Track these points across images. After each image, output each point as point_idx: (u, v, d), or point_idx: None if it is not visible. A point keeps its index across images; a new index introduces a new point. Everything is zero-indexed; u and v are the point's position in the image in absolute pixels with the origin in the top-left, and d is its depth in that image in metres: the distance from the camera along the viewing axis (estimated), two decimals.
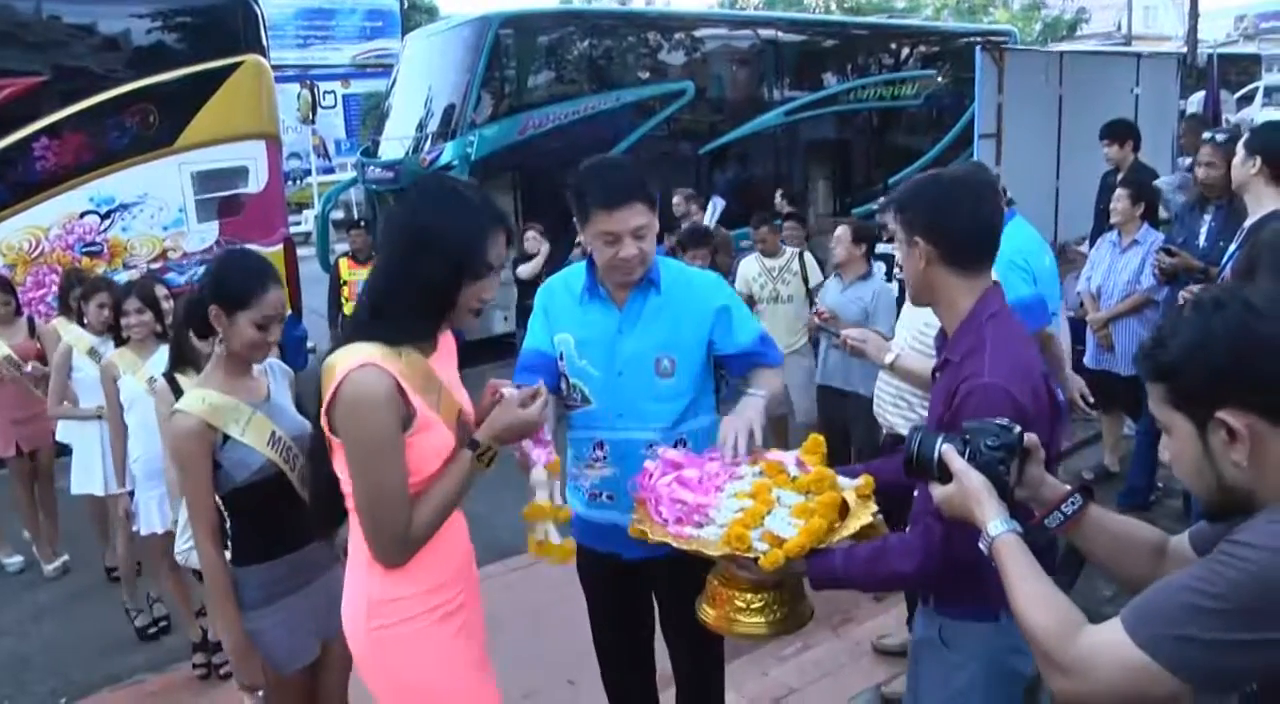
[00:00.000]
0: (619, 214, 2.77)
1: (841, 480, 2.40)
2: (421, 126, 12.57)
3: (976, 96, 8.56)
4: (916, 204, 2.37)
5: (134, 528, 5.01)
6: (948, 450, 1.94)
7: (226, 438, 2.91)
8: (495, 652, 4.91)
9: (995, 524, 1.83)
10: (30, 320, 6.46)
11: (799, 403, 6.83)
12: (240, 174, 10.38)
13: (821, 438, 2.52)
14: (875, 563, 2.21)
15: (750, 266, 7.29)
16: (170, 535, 4.58)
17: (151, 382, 4.59)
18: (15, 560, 6.49)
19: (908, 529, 2.37)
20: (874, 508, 2.26)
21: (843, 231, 5.85)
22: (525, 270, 9.58)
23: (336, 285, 9.85)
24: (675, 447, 2.79)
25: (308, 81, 19.03)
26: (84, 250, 9.49)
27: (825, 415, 6.15)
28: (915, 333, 3.95)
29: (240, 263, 3.02)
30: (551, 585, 5.57)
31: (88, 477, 5.52)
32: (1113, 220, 6.20)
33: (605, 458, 2.98)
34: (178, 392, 3.96)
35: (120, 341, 4.92)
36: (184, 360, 4.13)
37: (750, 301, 6.87)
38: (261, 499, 2.97)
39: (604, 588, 3.25)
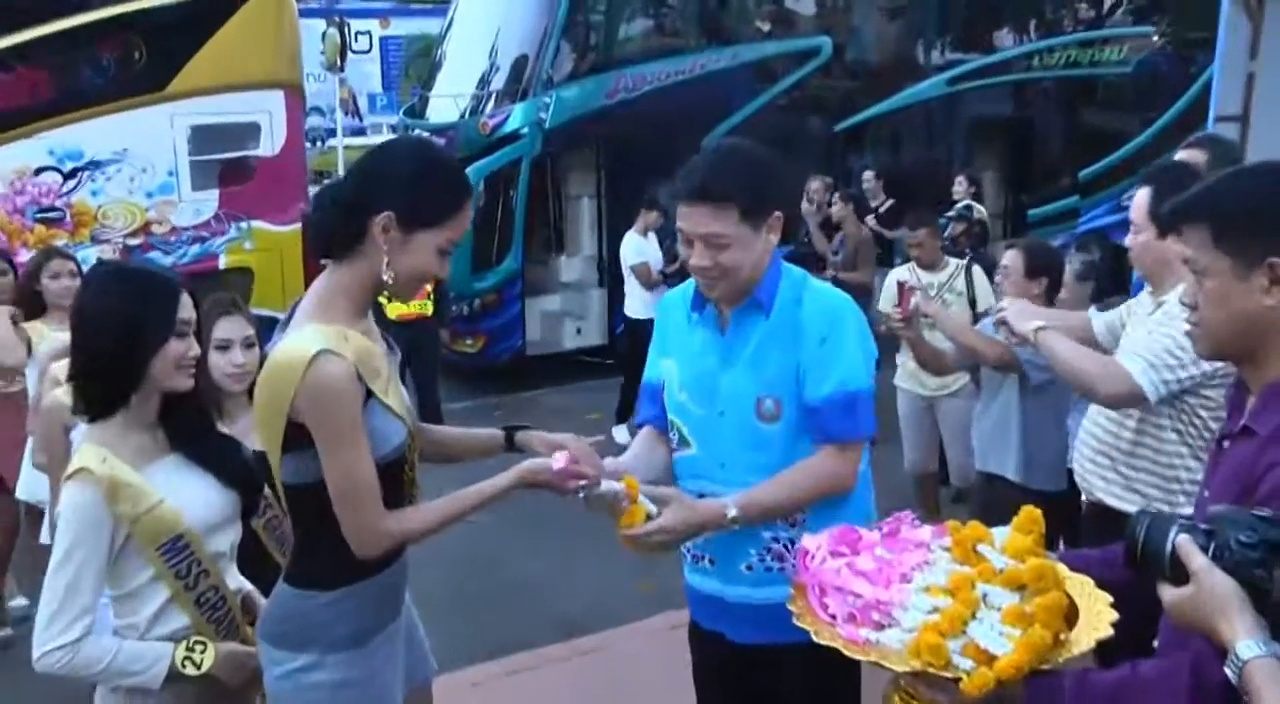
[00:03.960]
0: (690, 211, 2.91)
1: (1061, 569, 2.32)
2: (483, 82, 12.72)
3: (1216, 63, 8.33)
4: (1275, 210, 2.17)
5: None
6: (1184, 543, 1.93)
7: (366, 399, 2.74)
8: None
9: (1248, 645, 1.81)
10: None
11: (956, 460, 6.69)
12: (250, 131, 10.47)
13: (1039, 512, 2.41)
14: (1122, 700, 2.11)
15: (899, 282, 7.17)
16: None
17: None
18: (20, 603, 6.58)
19: (1156, 649, 2.27)
20: (1113, 615, 2.16)
21: (1014, 259, 5.35)
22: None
23: None
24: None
25: (336, 18, 19.19)
26: (38, 216, 9.51)
27: (982, 505, 5.40)
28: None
29: (436, 159, 2.91)
30: (630, 668, 5.52)
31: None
32: None
33: None
34: None
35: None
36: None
37: None
38: (385, 489, 2.79)
39: (714, 676, 3.26)
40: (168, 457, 3.02)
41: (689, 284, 3.18)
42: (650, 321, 10.38)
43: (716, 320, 3.07)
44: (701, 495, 3.01)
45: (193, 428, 3.07)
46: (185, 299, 2.95)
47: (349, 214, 2.72)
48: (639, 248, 10.29)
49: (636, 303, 10.30)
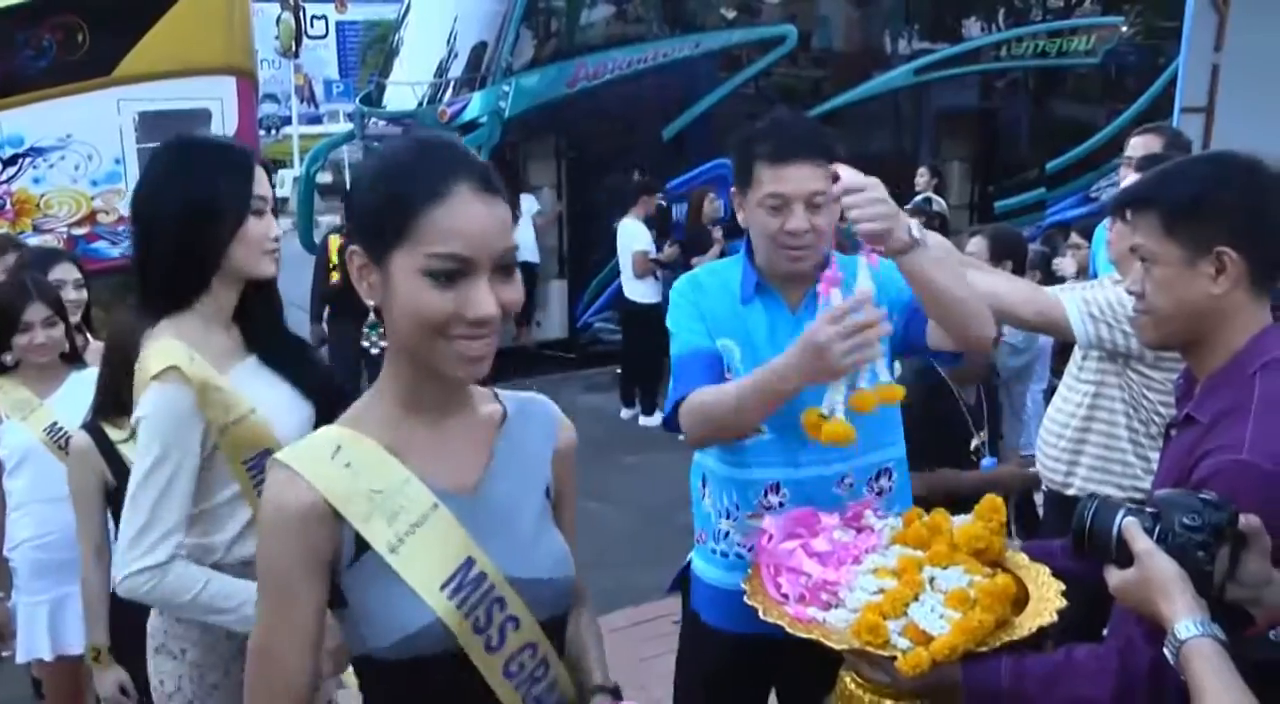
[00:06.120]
0: (790, 171, 2.80)
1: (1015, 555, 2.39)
2: (441, 70, 12.70)
3: (1181, 55, 8.36)
4: (1223, 200, 2.17)
5: (6, 654, 4.36)
6: (1130, 526, 1.96)
7: (360, 551, 1.82)
8: None
9: (1186, 625, 1.83)
10: None
11: None
12: (200, 118, 10.28)
13: (1001, 502, 2.46)
14: (1054, 684, 2.14)
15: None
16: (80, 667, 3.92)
17: (54, 431, 4.08)
18: None
19: (1105, 637, 2.31)
20: (1061, 602, 2.23)
21: (978, 244, 5.26)
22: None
23: (323, 270, 9.75)
24: (876, 480, 2.84)
25: (291, 1, 19.12)
26: None
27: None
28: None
29: (382, 155, 2.10)
30: None
31: None
32: None
33: (783, 504, 2.93)
34: (107, 448, 3.56)
35: None
36: (117, 403, 3.32)
37: None
38: (407, 695, 1.89)
39: (717, 680, 3.22)
40: (247, 360, 2.77)
41: (723, 266, 3.13)
42: (652, 307, 10.50)
43: (781, 300, 2.98)
44: (776, 486, 2.95)
45: (267, 325, 2.80)
46: (260, 174, 2.68)
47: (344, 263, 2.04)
48: (640, 234, 10.35)
49: (637, 288, 10.37)
